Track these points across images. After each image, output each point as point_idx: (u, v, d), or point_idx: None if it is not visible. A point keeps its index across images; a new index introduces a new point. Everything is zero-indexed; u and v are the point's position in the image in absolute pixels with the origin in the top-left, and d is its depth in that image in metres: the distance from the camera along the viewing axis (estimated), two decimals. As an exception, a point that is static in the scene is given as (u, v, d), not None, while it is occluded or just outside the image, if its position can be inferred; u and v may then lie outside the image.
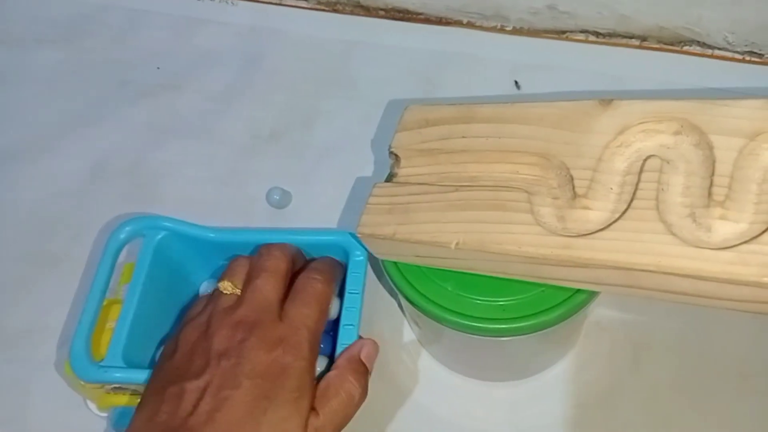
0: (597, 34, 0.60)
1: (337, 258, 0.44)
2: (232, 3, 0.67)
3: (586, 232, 0.32)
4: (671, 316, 0.47)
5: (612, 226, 0.31)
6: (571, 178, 0.34)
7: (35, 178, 0.59)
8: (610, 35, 0.60)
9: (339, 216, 0.53)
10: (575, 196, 0.33)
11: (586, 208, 0.33)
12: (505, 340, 0.38)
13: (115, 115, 0.62)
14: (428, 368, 0.46)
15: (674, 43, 0.59)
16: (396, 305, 0.48)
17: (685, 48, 0.59)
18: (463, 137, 0.38)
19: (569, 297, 0.36)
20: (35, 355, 0.49)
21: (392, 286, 0.39)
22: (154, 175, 0.58)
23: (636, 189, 0.32)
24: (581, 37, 0.61)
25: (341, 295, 0.42)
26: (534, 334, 0.37)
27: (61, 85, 0.65)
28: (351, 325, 0.39)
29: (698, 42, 0.58)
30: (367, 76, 0.62)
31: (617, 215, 0.32)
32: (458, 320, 0.36)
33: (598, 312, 0.47)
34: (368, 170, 0.55)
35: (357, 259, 0.42)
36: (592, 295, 0.37)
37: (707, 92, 0.55)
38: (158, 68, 0.64)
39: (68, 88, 0.64)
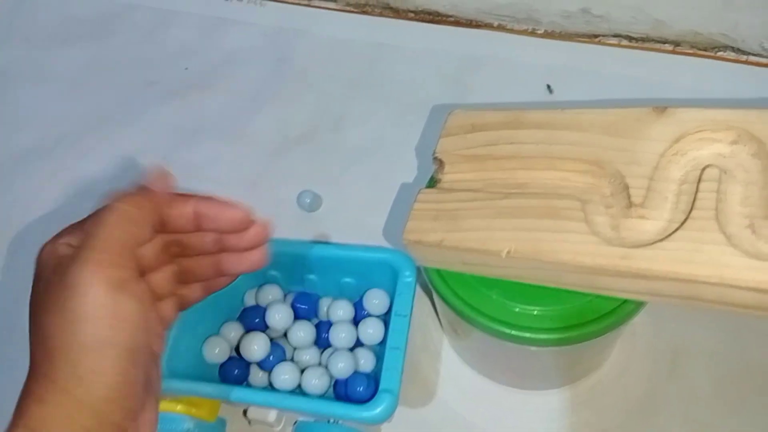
0: (630, 38, 0.60)
1: (385, 277, 0.43)
2: (260, 3, 0.67)
3: (642, 243, 0.31)
4: (708, 323, 0.46)
5: (671, 237, 0.31)
6: (626, 187, 0.33)
7: (60, 177, 0.59)
8: (644, 40, 0.60)
9: (368, 220, 0.53)
10: (630, 204, 0.33)
11: (642, 217, 0.32)
12: (551, 349, 0.37)
13: (143, 116, 0.62)
14: (462, 375, 0.46)
15: (708, 48, 0.58)
16: (429, 309, 0.48)
17: (720, 54, 0.58)
18: (511, 143, 0.37)
19: (617, 307, 0.36)
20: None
21: (435, 293, 0.39)
22: (182, 176, 0.56)
23: (695, 199, 0.31)
24: (614, 41, 0.60)
25: (388, 317, 0.41)
26: (580, 343, 0.37)
27: (88, 84, 0.65)
28: (397, 348, 0.39)
29: (733, 48, 0.58)
30: (397, 78, 0.61)
31: (675, 225, 0.31)
32: (505, 330, 0.36)
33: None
34: (398, 174, 0.55)
35: (406, 280, 0.41)
36: (640, 304, 0.36)
37: (744, 100, 0.55)
38: (186, 69, 0.63)
39: (95, 87, 0.64)
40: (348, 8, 0.65)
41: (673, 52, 0.59)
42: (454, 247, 0.35)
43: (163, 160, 0.59)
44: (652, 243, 0.31)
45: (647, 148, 0.33)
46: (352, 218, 0.54)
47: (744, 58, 0.58)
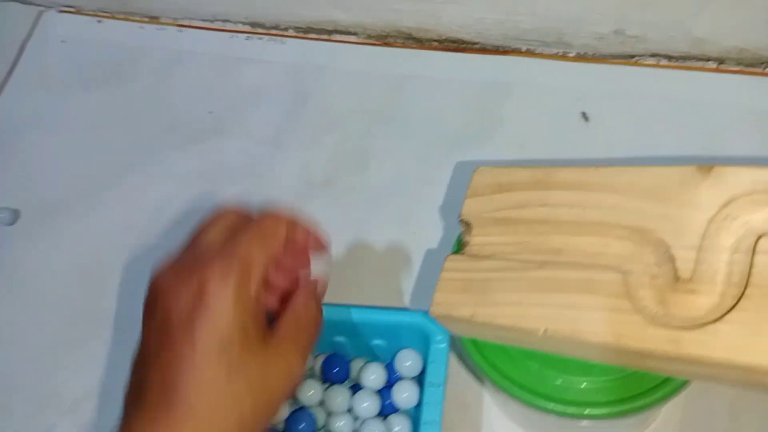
0: (669, 57, 0.56)
1: (417, 339, 0.41)
2: (281, 41, 0.64)
3: (693, 322, 0.28)
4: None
5: (725, 318, 0.28)
6: (672, 258, 0.30)
7: (85, 232, 0.57)
8: (684, 58, 0.56)
9: (393, 270, 0.51)
10: (678, 278, 0.30)
11: (691, 292, 0.29)
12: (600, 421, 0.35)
13: (165, 163, 0.60)
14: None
15: (756, 64, 0.54)
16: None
17: (768, 69, 0.54)
18: (543, 205, 0.35)
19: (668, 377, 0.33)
20: (98, 421, 0.47)
21: (472, 365, 0.37)
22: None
23: (750, 272, 0.28)
24: (652, 61, 0.57)
25: (422, 377, 0.39)
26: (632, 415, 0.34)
27: (108, 131, 0.63)
28: (433, 422, 0.36)
29: (783, 63, 0.54)
30: (421, 111, 0.59)
31: (728, 301, 0.28)
32: (548, 405, 0.33)
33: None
34: (424, 214, 0.53)
35: (439, 346, 0.38)
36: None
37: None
38: (211, 112, 0.62)
39: (115, 134, 0.63)
40: (370, 41, 0.63)
41: (716, 70, 0.55)
42: (486, 324, 0.33)
43: (186, 210, 0.57)
44: (704, 324, 0.28)
45: (693, 216, 0.30)
46: (380, 265, 0.51)
47: (795, 73, 0.54)
